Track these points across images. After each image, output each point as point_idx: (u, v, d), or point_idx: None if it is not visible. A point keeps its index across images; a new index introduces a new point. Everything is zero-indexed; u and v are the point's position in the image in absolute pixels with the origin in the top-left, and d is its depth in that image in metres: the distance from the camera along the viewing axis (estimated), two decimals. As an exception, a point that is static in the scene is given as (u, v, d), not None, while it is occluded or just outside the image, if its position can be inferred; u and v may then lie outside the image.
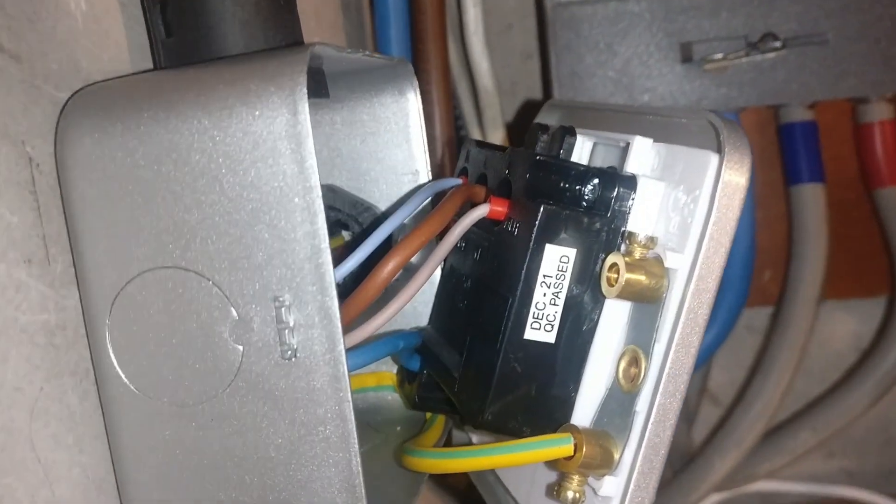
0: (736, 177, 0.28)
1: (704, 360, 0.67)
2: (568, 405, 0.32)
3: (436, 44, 0.60)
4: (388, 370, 0.43)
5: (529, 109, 0.70)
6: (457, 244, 0.39)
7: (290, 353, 0.28)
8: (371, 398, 0.44)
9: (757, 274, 0.66)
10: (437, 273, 0.42)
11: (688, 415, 0.71)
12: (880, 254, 0.65)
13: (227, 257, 0.28)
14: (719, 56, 0.56)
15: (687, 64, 0.57)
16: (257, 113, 0.27)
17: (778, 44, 0.56)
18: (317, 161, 0.42)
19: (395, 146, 0.42)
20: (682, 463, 0.67)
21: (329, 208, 0.42)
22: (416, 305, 0.43)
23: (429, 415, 0.41)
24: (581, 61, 0.58)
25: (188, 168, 0.28)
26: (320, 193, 0.27)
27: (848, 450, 0.75)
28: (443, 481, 0.67)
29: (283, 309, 0.28)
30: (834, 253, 0.63)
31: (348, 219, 0.42)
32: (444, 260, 0.41)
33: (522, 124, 0.67)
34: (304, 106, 0.27)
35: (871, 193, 0.63)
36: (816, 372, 0.72)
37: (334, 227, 0.43)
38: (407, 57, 0.60)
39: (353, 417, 0.28)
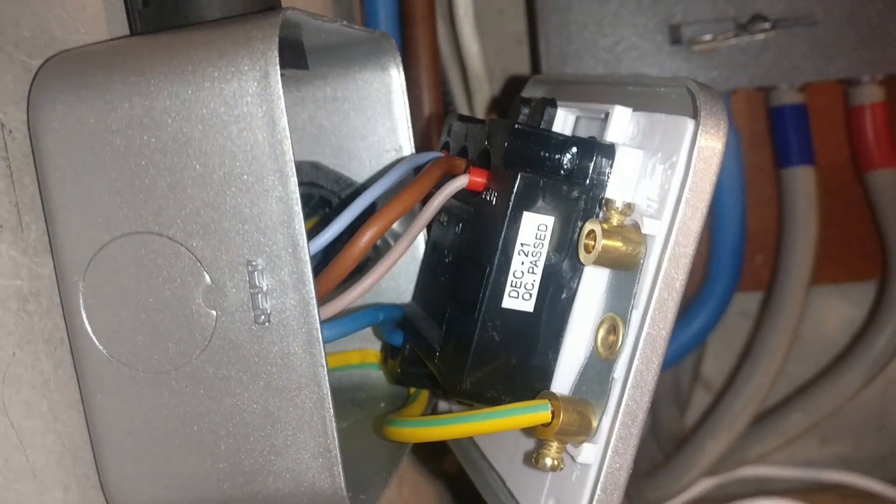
0: (711, 141, 0.28)
1: (697, 345, 0.66)
2: (547, 374, 0.32)
3: (425, 27, 0.60)
4: (372, 348, 0.43)
5: (519, 91, 0.69)
6: (439, 219, 0.39)
7: (263, 317, 0.28)
8: (356, 376, 0.44)
9: (748, 259, 0.66)
10: (421, 250, 0.42)
11: (680, 400, 0.71)
12: (872, 237, 0.64)
13: (199, 222, 0.28)
14: (708, 37, 0.56)
15: (676, 46, 0.57)
16: (229, 76, 0.27)
17: (767, 25, 0.56)
18: (300, 137, 0.42)
19: (378, 122, 0.42)
20: (674, 448, 0.67)
21: (312, 185, 0.42)
22: (399, 283, 0.43)
23: (413, 390, 0.41)
24: (570, 43, 0.57)
25: (161, 132, 0.27)
26: (292, 157, 0.27)
27: (842, 436, 0.74)
28: (434, 468, 0.67)
29: (256, 273, 0.27)
30: (826, 237, 0.63)
31: (331, 195, 0.42)
32: (427, 236, 0.41)
33: (513, 108, 0.67)
34: (276, 69, 0.26)
35: (861, 177, 0.63)
36: (810, 357, 0.72)
37: (318, 204, 0.43)
38: (396, 40, 0.60)
39: (327, 382, 0.28)
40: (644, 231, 0.29)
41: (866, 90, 0.60)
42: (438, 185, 0.34)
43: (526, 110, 0.36)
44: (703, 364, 0.72)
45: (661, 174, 0.29)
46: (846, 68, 0.57)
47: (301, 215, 0.27)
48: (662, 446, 0.70)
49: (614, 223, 0.29)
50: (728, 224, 0.62)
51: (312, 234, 0.31)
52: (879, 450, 0.74)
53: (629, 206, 0.30)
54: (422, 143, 0.58)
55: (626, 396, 0.29)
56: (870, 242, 0.65)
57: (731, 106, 0.62)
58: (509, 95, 0.69)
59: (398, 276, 0.43)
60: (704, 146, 0.28)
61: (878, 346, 0.61)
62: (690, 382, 0.71)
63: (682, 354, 0.66)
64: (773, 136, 0.62)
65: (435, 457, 0.66)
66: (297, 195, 0.27)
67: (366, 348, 0.43)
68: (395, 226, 0.41)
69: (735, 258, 0.63)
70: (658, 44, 0.57)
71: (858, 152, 0.62)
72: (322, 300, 0.32)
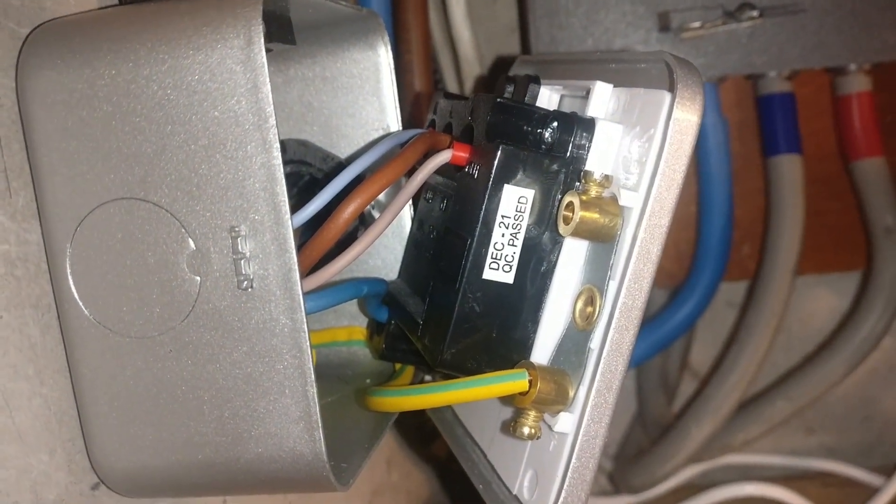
0: (687, 114, 0.28)
1: (684, 332, 0.67)
2: (526, 345, 0.32)
3: (416, 12, 0.60)
4: (359, 325, 0.44)
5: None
6: (425, 196, 0.40)
7: (246, 283, 0.28)
8: (343, 353, 0.44)
9: (736, 248, 0.66)
10: (407, 227, 0.42)
11: (668, 389, 0.71)
12: (858, 228, 0.65)
13: (184, 188, 0.28)
14: (696, 25, 0.57)
15: (665, 33, 0.58)
16: (213, 44, 0.27)
17: (755, 13, 0.56)
18: (289, 115, 0.43)
19: (366, 101, 0.42)
20: (660, 435, 0.68)
21: (300, 162, 0.43)
22: (386, 261, 0.43)
23: (398, 366, 0.42)
24: (560, 30, 0.58)
25: (147, 99, 0.28)
26: (275, 123, 0.27)
27: (828, 426, 0.75)
28: (424, 453, 0.68)
29: (239, 239, 0.28)
30: (814, 227, 0.64)
31: (319, 173, 0.42)
32: (414, 213, 0.41)
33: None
34: (260, 37, 0.27)
35: (848, 166, 0.63)
36: (797, 347, 0.72)
37: (307, 185, 0.43)
38: (387, 25, 0.60)
39: (308, 347, 0.28)
40: (621, 203, 0.29)
41: (853, 79, 0.60)
42: (424, 161, 0.34)
43: (511, 88, 0.37)
44: (691, 352, 0.72)
45: (639, 147, 0.30)
46: (833, 56, 0.58)
47: (283, 182, 0.27)
48: (650, 434, 0.70)
49: (592, 195, 0.30)
50: (715, 212, 0.62)
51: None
52: (865, 440, 0.75)
53: (607, 179, 0.30)
54: (412, 126, 0.58)
55: (601, 366, 0.29)
56: (856, 232, 0.65)
57: (719, 94, 0.62)
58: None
59: (385, 254, 0.43)
60: (680, 118, 0.28)
61: (861, 334, 0.61)
62: (678, 371, 0.72)
63: (669, 341, 0.66)
64: (761, 124, 0.63)
65: (424, 442, 0.66)
66: (280, 162, 0.27)
67: (353, 325, 0.44)
68: (382, 200, 0.41)
69: (722, 246, 0.63)
70: (647, 31, 0.58)
71: (845, 142, 0.63)
72: (306, 272, 0.33)
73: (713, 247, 0.63)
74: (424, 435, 0.65)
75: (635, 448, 0.71)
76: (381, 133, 0.42)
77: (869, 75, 0.61)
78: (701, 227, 0.63)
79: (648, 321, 0.67)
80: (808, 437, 0.75)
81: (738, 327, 0.64)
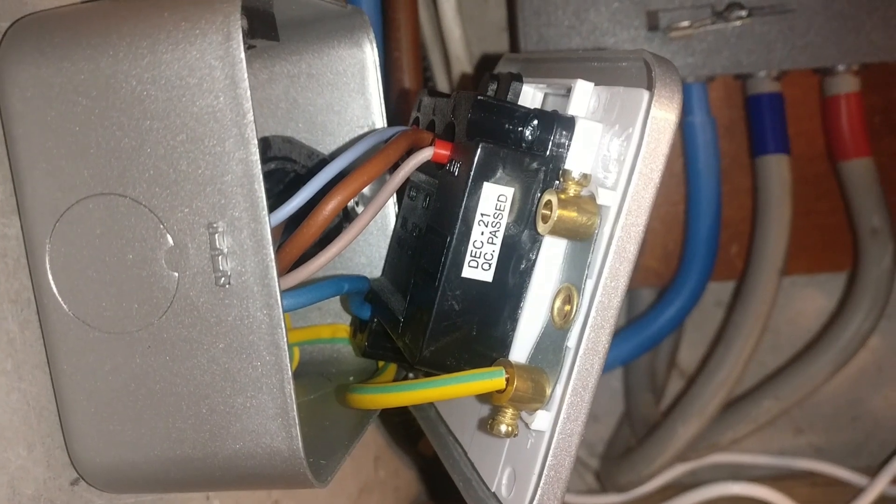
0: (665, 113, 0.28)
1: (671, 332, 0.67)
2: (505, 343, 0.32)
3: (406, 10, 0.60)
4: (343, 323, 0.44)
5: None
6: (408, 194, 0.40)
7: (223, 279, 0.28)
8: (327, 350, 0.44)
9: (724, 248, 0.66)
10: (391, 226, 0.42)
11: (656, 388, 0.71)
12: (847, 228, 0.65)
13: (163, 184, 0.28)
14: (685, 24, 0.57)
15: (653, 32, 0.58)
16: (192, 39, 0.27)
17: (744, 13, 0.56)
18: (274, 112, 0.43)
19: (352, 98, 0.42)
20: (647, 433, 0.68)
21: (285, 159, 0.43)
22: (371, 259, 0.43)
23: (381, 364, 0.42)
24: (548, 28, 0.58)
25: (125, 94, 0.28)
26: (253, 119, 0.27)
27: (816, 426, 0.75)
28: (411, 452, 0.68)
29: (216, 235, 0.28)
30: (802, 227, 0.64)
31: (304, 170, 0.42)
32: (398, 211, 0.41)
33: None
34: (238, 32, 0.27)
35: (835, 166, 0.63)
36: (785, 347, 0.72)
37: (292, 182, 0.43)
38: (377, 24, 0.60)
39: (285, 344, 0.28)
40: (599, 202, 0.29)
41: (841, 80, 0.61)
42: (406, 158, 0.34)
43: (494, 85, 0.37)
44: (679, 352, 0.72)
45: (619, 146, 0.30)
46: (821, 57, 0.58)
47: (261, 178, 0.27)
48: (637, 433, 0.70)
49: (571, 193, 0.30)
50: (703, 211, 0.62)
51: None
52: (853, 440, 0.75)
53: (585, 177, 0.30)
54: (399, 124, 0.58)
55: (577, 364, 0.29)
56: (844, 233, 0.65)
57: (708, 94, 0.62)
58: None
59: (371, 252, 0.43)
60: (658, 116, 0.28)
61: (847, 334, 0.61)
62: (666, 370, 0.72)
63: (656, 341, 0.66)
64: (750, 124, 0.63)
65: (412, 440, 0.66)
66: (258, 158, 0.27)
67: (337, 323, 0.44)
68: (368, 196, 0.41)
69: (710, 245, 0.63)
70: (635, 30, 0.58)
71: (833, 142, 0.63)
72: (287, 268, 0.33)
73: (701, 246, 0.63)
74: (412, 433, 0.65)
75: (623, 447, 0.71)
76: (366, 130, 0.42)
77: (857, 76, 0.61)
78: (689, 227, 0.64)
79: (636, 320, 0.67)
80: (797, 437, 0.75)
81: (724, 326, 0.64)
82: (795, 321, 0.73)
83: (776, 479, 0.68)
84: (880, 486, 0.62)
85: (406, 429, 0.64)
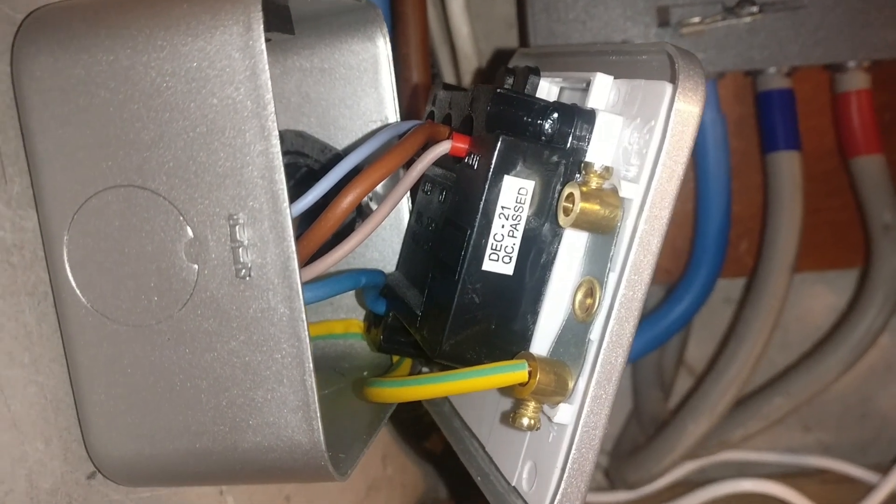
0: (689, 105, 0.28)
1: (680, 328, 0.67)
2: (525, 337, 0.32)
3: (415, 7, 0.60)
4: (356, 318, 0.44)
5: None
6: (423, 189, 0.39)
7: (244, 271, 0.28)
8: (340, 346, 0.44)
9: (734, 244, 0.66)
10: (405, 221, 0.42)
11: (664, 385, 0.71)
12: (858, 225, 0.65)
13: (182, 176, 0.28)
14: (696, 20, 0.57)
15: (664, 28, 0.57)
16: (212, 31, 0.27)
17: (755, 9, 0.56)
18: (287, 106, 0.43)
19: (364, 93, 0.42)
20: (656, 431, 0.67)
21: (298, 154, 0.42)
22: (385, 254, 0.43)
23: (396, 358, 0.42)
24: (558, 25, 0.58)
25: (144, 86, 0.28)
26: (274, 111, 0.27)
27: (825, 424, 0.75)
28: (419, 448, 0.67)
29: (237, 227, 0.28)
30: (812, 224, 0.64)
31: (316, 164, 0.42)
32: (412, 206, 0.41)
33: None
34: (259, 24, 0.27)
35: (847, 163, 0.63)
36: (795, 345, 0.72)
37: (304, 177, 0.43)
38: (385, 20, 0.60)
39: (307, 336, 0.28)
40: (622, 194, 0.29)
41: (852, 77, 0.60)
42: (422, 152, 0.34)
43: (510, 79, 0.37)
44: (687, 349, 0.72)
45: (640, 139, 0.30)
46: (832, 53, 0.58)
47: (282, 170, 0.27)
48: (646, 430, 0.70)
49: (593, 186, 0.30)
50: (713, 208, 0.62)
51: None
52: (862, 437, 0.75)
53: (607, 170, 0.30)
54: (410, 120, 0.58)
55: (601, 357, 0.29)
56: (854, 230, 0.65)
57: (718, 91, 0.62)
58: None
59: (383, 247, 0.43)
60: (682, 109, 0.28)
61: (858, 331, 0.61)
62: (674, 367, 0.72)
63: (666, 337, 0.66)
64: (760, 120, 0.63)
65: (420, 437, 0.66)
66: (279, 150, 0.27)
67: (350, 318, 0.44)
68: (380, 192, 0.41)
69: (720, 242, 0.63)
70: (646, 26, 0.58)
71: (844, 139, 0.62)
72: (303, 262, 0.33)
73: (710, 243, 0.63)
74: (420, 430, 0.65)
75: (631, 444, 0.71)
76: (378, 125, 0.42)
77: (868, 73, 0.60)
78: (698, 224, 0.63)
79: (645, 317, 0.67)
80: (806, 434, 0.75)
81: (735, 324, 0.64)
82: (805, 319, 0.73)
83: (786, 476, 0.68)
84: (892, 483, 0.62)
85: (414, 426, 0.64)
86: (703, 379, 0.64)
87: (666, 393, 0.71)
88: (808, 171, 0.63)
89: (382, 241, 0.43)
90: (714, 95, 0.61)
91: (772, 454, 0.70)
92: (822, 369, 0.62)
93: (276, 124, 0.27)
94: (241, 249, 0.28)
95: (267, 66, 0.27)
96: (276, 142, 0.27)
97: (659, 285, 0.69)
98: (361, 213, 0.42)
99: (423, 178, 0.39)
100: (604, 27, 0.58)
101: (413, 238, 0.40)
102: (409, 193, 0.41)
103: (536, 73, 0.36)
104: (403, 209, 0.42)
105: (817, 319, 0.72)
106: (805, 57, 0.58)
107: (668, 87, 0.29)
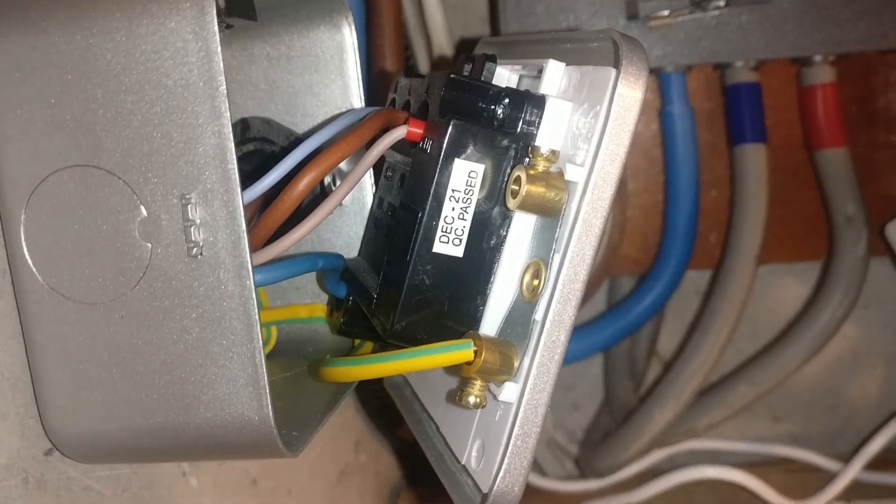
0: (631, 90, 0.29)
1: (650, 318, 0.68)
2: (475, 318, 0.33)
3: (388, -1, 0.61)
4: (321, 303, 0.44)
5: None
6: (385, 175, 0.40)
7: (196, 249, 0.29)
8: (305, 330, 0.45)
9: (703, 236, 0.67)
10: (368, 207, 0.43)
11: (636, 375, 0.72)
12: (823, 217, 0.66)
13: (137, 156, 0.29)
14: (664, 14, 0.57)
15: (632, 21, 0.58)
16: (167, 13, 0.28)
17: (722, 2, 0.57)
18: (253, 94, 0.43)
19: (330, 81, 0.43)
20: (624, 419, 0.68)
21: (264, 140, 0.43)
22: (350, 239, 0.44)
23: (357, 342, 0.42)
24: (528, 18, 0.58)
25: (101, 68, 0.28)
26: (226, 92, 0.28)
27: (794, 414, 0.76)
28: (391, 436, 0.68)
29: (189, 206, 0.28)
30: (782, 216, 0.65)
31: (282, 151, 0.43)
32: (375, 192, 0.42)
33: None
34: (212, 5, 0.27)
35: (811, 155, 0.64)
36: (763, 335, 0.73)
37: (273, 162, 0.44)
38: (360, 10, 0.61)
39: (256, 313, 0.29)
40: (567, 177, 0.30)
41: (818, 70, 0.61)
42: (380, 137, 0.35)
43: (468, 66, 0.37)
44: (659, 340, 0.73)
45: (587, 124, 0.30)
46: (798, 47, 0.59)
47: (233, 150, 0.28)
48: (616, 419, 0.71)
49: (539, 169, 0.31)
50: (682, 199, 0.63)
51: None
52: (830, 428, 0.76)
53: (554, 154, 0.31)
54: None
55: (543, 335, 0.30)
56: (822, 222, 0.66)
57: (687, 84, 0.63)
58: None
59: (349, 233, 0.44)
60: (624, 94, 0.29)
61: (821, 321, 0.62)
62: (646, 358, 0.73)
63: (636, 326, 0.67)
64: (728, 113, 0.64)
65: (392, 426, 0.67)
66: (230, 129, 0.28)
67: (315, 303, 0.44)
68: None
69: (688, 233, 0.64)
70: (615, 19, 0.58)
71: (809, 131, 0.63)
72: (261, 244, 0.33)
73: (679, 234, 0.64)
74: (393, 418, 0.65)
75: (602, 434, 0.72)
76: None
77: (834, 66, 0.61)
78: (668, 214, 0.64)
79: (615, 307, 0.68)
80: (775, 424, 0.76)
81: (701, 313, 0.65)
82: (774, 310, 0.74)
83: (753, 465, 0.69)
84: (853, 471, 0.63)
85: (387, 413, 0.65)
86: (670, 368, 0.65)
87: (637, 383, 0.72)
88: (778, 164, 0.64)
89: (349, 228, 0.44)
90: (683, 88, 0.62)
91: (739, 443, 0.71)
92: (786, 358, 0.63)
93: (227, 105, 0.28)
94: (192, 228, 0.28)
95: (219, 48, 0.27)
96: (227, 122, 0.28)
97: (630, 276, 0.70)
98: (326, 195, 0.43)
99: (386, 165, 0.40)
100: (573, 21, 0.58)
101: (374, 223, 0.41)
102: (372, 180, 0.42)
103: (493, 60, 0.36)
104: (368, 195, 0.43)
105: (787, 311, 0.73)
106: (771, 51, 0.59)
107: (612, 73, 0.29)
